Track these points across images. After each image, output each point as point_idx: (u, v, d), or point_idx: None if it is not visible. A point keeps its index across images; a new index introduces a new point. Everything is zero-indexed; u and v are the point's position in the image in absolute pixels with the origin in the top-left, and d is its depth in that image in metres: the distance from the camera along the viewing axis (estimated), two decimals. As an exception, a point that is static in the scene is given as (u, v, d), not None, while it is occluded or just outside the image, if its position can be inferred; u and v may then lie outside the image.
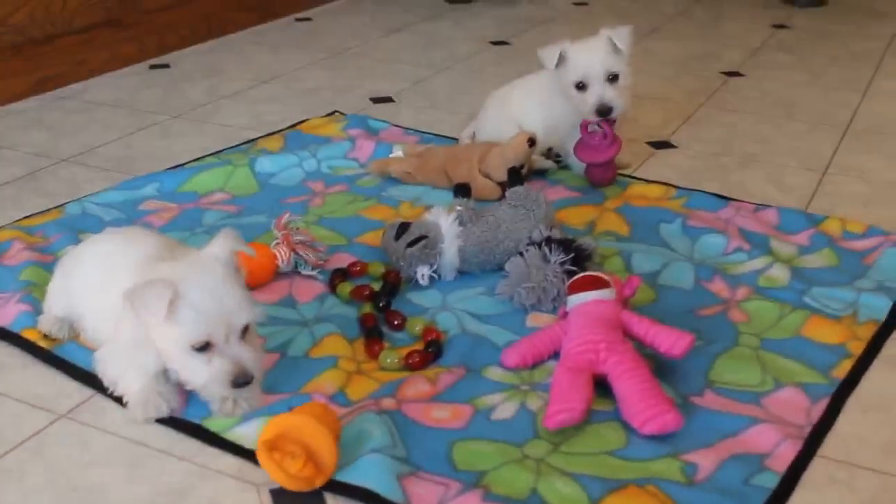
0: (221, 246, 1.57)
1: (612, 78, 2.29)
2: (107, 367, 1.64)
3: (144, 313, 1.49)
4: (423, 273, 1.95)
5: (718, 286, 1.96)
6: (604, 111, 2.29)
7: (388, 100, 3.09)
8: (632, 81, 2.37)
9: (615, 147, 2.33)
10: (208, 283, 1.51)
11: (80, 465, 1.50)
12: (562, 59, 2.34)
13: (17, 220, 2.23)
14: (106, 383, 1.64)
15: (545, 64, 2.38)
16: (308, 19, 4.09)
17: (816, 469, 1.49)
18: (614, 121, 2.34)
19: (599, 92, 2.29)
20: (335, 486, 1.44)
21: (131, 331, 1.58)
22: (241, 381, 1.51)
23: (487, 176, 2.32)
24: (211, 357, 1.50)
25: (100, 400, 1.64)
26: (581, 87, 2.31)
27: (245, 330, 1.53)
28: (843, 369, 1.72)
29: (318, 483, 1.43)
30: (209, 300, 1.49)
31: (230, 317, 1.50)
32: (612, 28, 2.34)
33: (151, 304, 1.47)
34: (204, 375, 1.51)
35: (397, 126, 2.80)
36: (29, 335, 1.79)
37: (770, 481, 1.46)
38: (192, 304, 1.48)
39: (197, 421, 1.58)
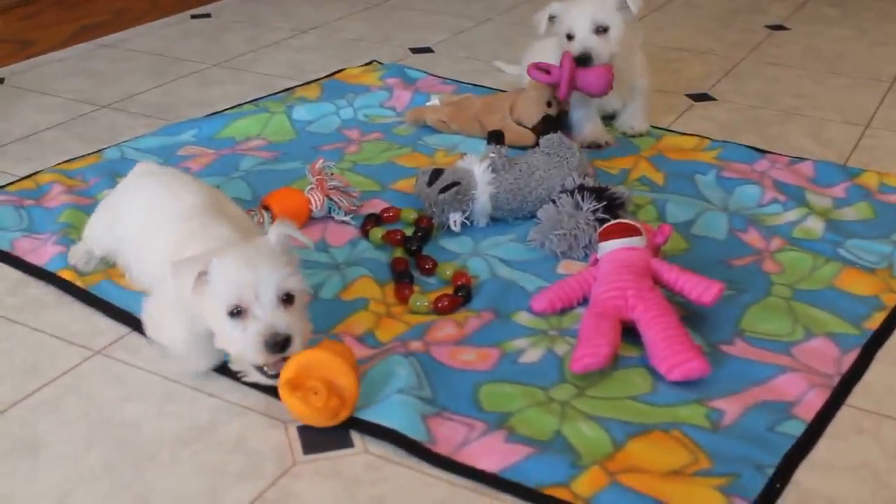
0: (275, 231, 1.57)
1: (602, 30, 2.30)
2: (152, 318, 1.65)
3: (180, 286, 1.50)
4: (455, 219, 1.95)
5: (752, 236, 1.95)
6: (581, 58, 2.28)
7: (428, 50, 3.08)
8: (633, 35, 2.38)
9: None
10: (246, 253, 1.51)
11: (114, 399, 1.54)
12: (552, 20, 2.39)
13: (58, 164, 2.26)
14: (149, 332, 1.65)
15: (537, 28, 2.42)
16: (351, -29, 4.08)
17: (843, 418, 1.49)
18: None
19: (583, 41, 2.30)
20: (360, 425, 1.46)
21: (175, 292, 1.58)
22: (274, 342, 1.46)
23: (520, 123, 2.32)
24: (246, 323, 1.48)
25: (134, 338, 1.67)
26: (570, 38, 2.33)
27: (288, 301, 1.50)
28: (875, 321, 1.71)
29: (344, 415, 1.45)
30: (243, 267, 1.48)
31: (262, 281, 1.48)
32: None
33: (183, 277, 1.49)
34: (240, 341, 1.48)
35: (434, 76, 2.80)
36: (64, 275, 1.82)
37: (796, 429, 1.46)
38: (225, 271, 1.48)
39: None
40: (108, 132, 2.47)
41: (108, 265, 1.84)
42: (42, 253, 1.89)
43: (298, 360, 1.46)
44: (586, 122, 2.36)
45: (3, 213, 2.02)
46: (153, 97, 2.72)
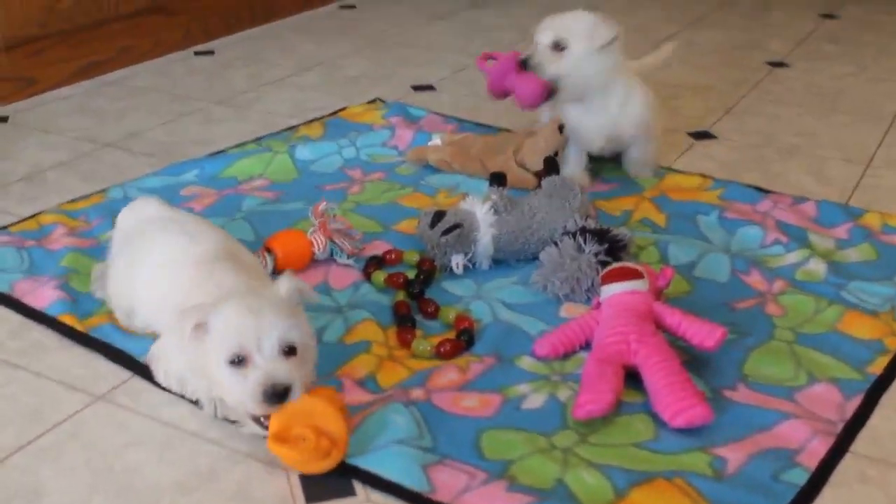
0: (286, 283, 1.56)
1: (558, 47, 2.23)
2: (166, 365, 1.64)
3: (179, 334, 1.51)
4: (457, 262, 1.95)
5: (755, 279, 1.95)
6: (523, 62, 2.25)
7: (429, 88, 3.10)
8: (612, 68, 2.28)
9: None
10: (249, 302, 1.50)
11: (115, 445, 1.53)
12: None
13: (61, 204, 2.27)
14: (161, 378, 1.65)
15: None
16: (352, 7, 4.10)
17: (848, 466, 1.49)
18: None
19: (536, 50, 2.27)
20: (361, 473, 1.45)
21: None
22: (273, 392, 1.45)
23: (523, 165, 2.32)
24: (246, 372, 1.47)
25: (136, 382, 1.67)
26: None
27: (290, 352, 1.48)
28: (878, 365, 1.71)
29: (336, 455, 1.45)
30: (246, 315, 1.47)
31: (265, 330, 1.47)
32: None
33: (182, 326, 1.49)
34: (238, 389, 1.47)
35: (437, 114, 2.81)
36: (65, 319, 1.81)
37: (800, 477, 1.45)
38: (227, 319, 1.48)
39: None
40: (111, 171, 2.48)
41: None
42: (42, 295, 1.88)
43: (283, 411, 1.45)
44: (566, 163, 2.34)
45: (4, 255, 2.02)
46: (157, 135, 2.72)
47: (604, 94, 2.28)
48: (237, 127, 2.77)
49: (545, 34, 2.27)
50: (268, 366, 1.46)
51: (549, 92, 2.24)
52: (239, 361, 1.46)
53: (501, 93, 2.34)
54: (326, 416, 1.45)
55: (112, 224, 2.10)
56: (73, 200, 2.29)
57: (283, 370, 1.46)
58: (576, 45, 2.24)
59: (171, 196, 2.28)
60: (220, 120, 2.84)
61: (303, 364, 1.51)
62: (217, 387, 1.51)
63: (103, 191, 2.33)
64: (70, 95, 3.04)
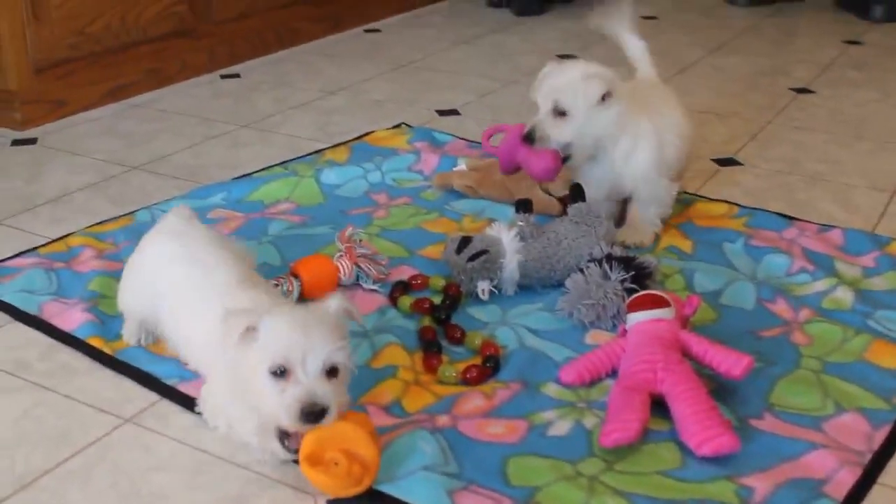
0: (336, 301, 1.56)
1: (560, 113, 2.10)
2: (213, 406, 1.64)
3: (225, 336, 1.50)
4: (483, 288, 1.96)
5: (781, 307, 1.95)
6: (527, 136, 2.12)
7: (454, 112, 3.11)
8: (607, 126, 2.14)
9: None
10: (301, 315, 1.51)
11: (143, 469, 1.54)
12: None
13: (89, 227, 2.29)
14: (210, 420, 1.64)
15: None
16: (377, 31, 4.13)
17: (876, 497, 1.48)
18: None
19: (538, 119, 2.14)
20: (386, 499, 1.45)
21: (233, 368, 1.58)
22: (311, 411, 1.44)
23: (547, 192, 2.33)
24: (286, 386, 1.46)
25: (164, 405, 1.68)
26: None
27: (332, 373, 1.47)
28: (906, 395, 1.71)
29: (367, 482, 1.45)
30: (296, 328, 1.47)
31: (312, 348, 1.46)
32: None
33: (231, 328, 1.49)
34: (275, 401, 1.46)
35: (462, 139, 2.82)
36: (93, 342, 1.83)
37: (827, 509, 1.45)
38: (275, 328, 1.48)
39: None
40: (138, 194, 2.50)
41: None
42: (70, 318, 1.90)
43: (317, 433, 1.45)
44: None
45: (33, 276, 2.04)
46: (184, 158, 2.74)
47: (612, 146, 2.17)
48: (263, 151, 2.79)
49: (545, 100, 2.15)
50: (309, 383, 1.45)
51: (562, 160, 2.15)
52: (281, 373, 1.46)
53: (514, 170, 2.27)
54: (359, 440, 1.45)
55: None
56: (101, 223, 2.31)
57: (323, 390, 1.45)
58: (577, 107, 2.12)
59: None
60: (246, 143, 2.86)
61: (341, 387, 1.50)
62: (253, 395, 1.50)
63: (131, 213, 2.35)
64: (99, 118, 3.06)
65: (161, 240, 1.84)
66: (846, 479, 1.50)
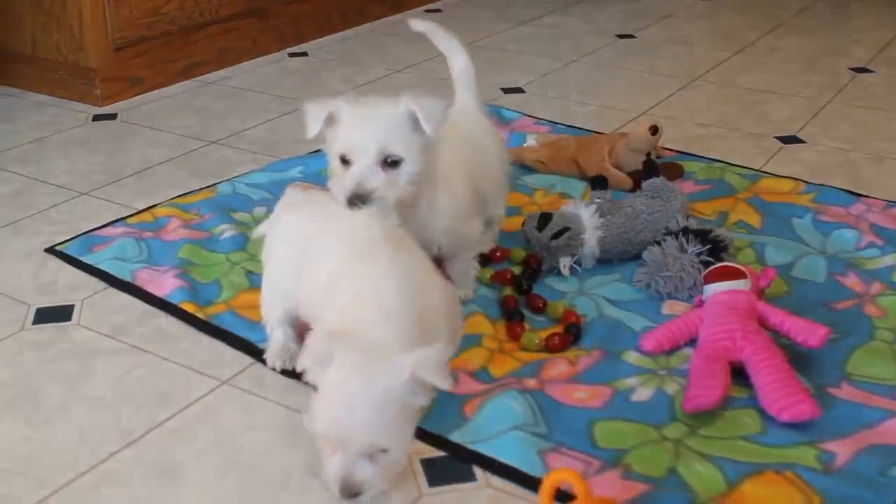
0: (422, 370, 1.38)
1: (392, 163, 1.69)
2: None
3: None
4: (565, 263, 2.01)
5: (852, 280, 1.99)
6: (355, 199, 1.67)
7: (519, 90, 3.16)
8: (429, 169, 1.76)
9: None
10: (352, 388, 1.38)
11: (243, 428, 1.60)
12: (331, 123, 1.74)
13: (174, 198, 2.37)
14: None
15: (306, 129, 1.74)
16: (438, 11, 4.19)
17: None
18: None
19: (362, 173, 1.69)
20: (480, 459, 1.51)
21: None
22: (347, 495, 1.40)
23: (617, 167, 2.38)
24: (333, 452, 1.40)
25: (258, 369, 1.74)
26: (345, 161, 1.72)
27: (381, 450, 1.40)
28: (979, 366, 1.74)
29: None
30: (337, 403, 1.38)
31: (351, 432, 1.37)
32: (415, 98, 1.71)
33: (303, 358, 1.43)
34: (325, 467, 1.42)
35: (529, 116, 2.87)
36: (186, 307, 1.90)
37: (907, 473, 1.49)
38: (324, 397, 1.40)
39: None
40: (218, 167, 2.58)
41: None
42: (162, 284, 1.97)
43: None
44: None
45: (124, 245, 2.12)
46: (259, 133, 2.82)
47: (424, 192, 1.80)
48: (335, 126, 2.84)
49: (368, 145, 1.69)
50: (351, 463, 1.39)
51: None
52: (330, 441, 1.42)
53: None
54: None
55: (224, 218, 2.21)
56: (184, 194, 2.38)
57: (364, 474, 1.39)
58: (410, 152, 1.72)
59: (276, 191, 2.35)
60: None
61: (392, 464, 1.42)
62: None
63: (213, 185, 2.43)
64: (174, 94, 3.15)
65: (294, 211, 1.75)
66: (926, 446, 1.54)
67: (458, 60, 2.18)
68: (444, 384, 1.38)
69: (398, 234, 1.65)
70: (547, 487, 1.35)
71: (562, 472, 1.38)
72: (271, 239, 1.77)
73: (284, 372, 1.72)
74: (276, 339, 1.76)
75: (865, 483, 1.46)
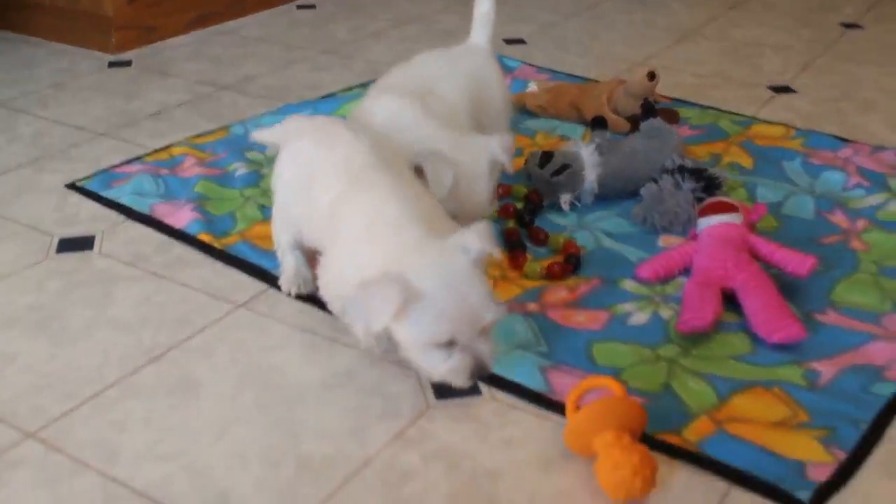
0: (474, 241, 1.47)
1: None
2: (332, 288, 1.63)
3: (370, 314, 1.43)
4: (565, 199, 2.09)
5: (839, 217, 2.07)
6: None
7: (521, 42, 3.23)
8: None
9: None
10: (452, 280, 1.43)
11: (260, 347, 1.68)
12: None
13: (189, 138, 2.45)
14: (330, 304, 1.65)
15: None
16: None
17: None
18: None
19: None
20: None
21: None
22: (479, 375, 1.46)
23: (616, 111, 2.46)
24: (451, 352, 1.44)
25: (272, 294, 1.83)
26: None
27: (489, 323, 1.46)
28: (958, 296, 1.83)
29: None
30: (453, 299, 1.41)
31: (475, 316, 1.42)
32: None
33: (378, 307, 1.41)
34: (442, 370, 1.45)
35: (530, 65, 2.94)
36: (203, 237, 1.99)
37: (887, 390, 1.57)
38: (434, 304, 1.41)
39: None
40: (230, 110, 2.65)
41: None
42: (179, 217, 2.06)
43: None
44: None
45: (141, 181, 2.20)
46: (269, 80, 2.89)
47: None
48: (343, 74, 2.93)
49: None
50: (474, 347, 1.43)
51: None
52: (444, 344, 1.44)
53: None
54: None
55: (238, 157, 2.29)
56: (199, 135, 2.46)
57: (487, 350, 1.45)
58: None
59: (288, 134, 2.45)
60: (326, 67, 3.00)
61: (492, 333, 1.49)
62: (416, 361, 1.48)
63: (226, 127, 2.51)
64: (186, 43, 3.23)
65: (300, 137, 1.78)
66: (905, 366, 1.63)
67: (485, 4, 2.28)
68: (498, 253, 1.48)
69: (398, 161, 1.72)
70: (576, 394, 1.47)
71: (597, 378, 1.49)
72: (279, 165, 1.81)
73: (299, 297, 1.81)
74: (288, 265, 1.84)
75: (848, 399, 1.55)
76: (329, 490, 1.38)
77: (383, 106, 1.93)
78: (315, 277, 1.75)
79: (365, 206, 1.58)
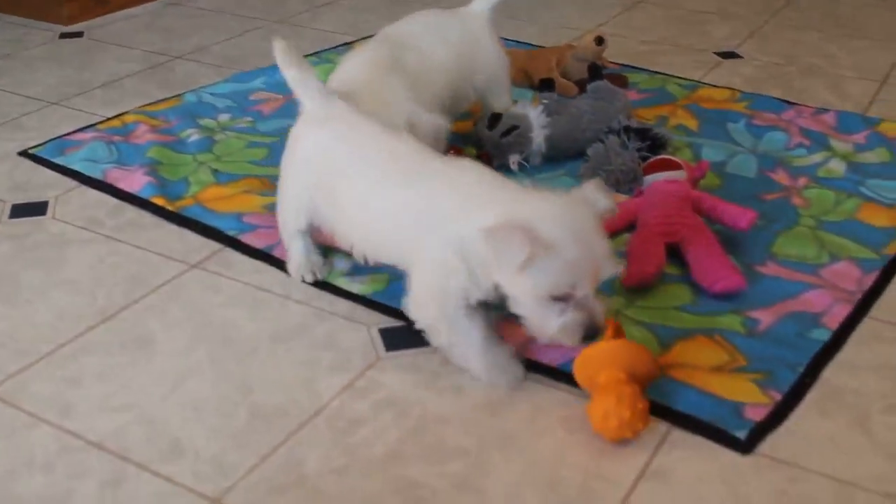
0: (596, 194, 1.45)
1: None
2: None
3: (498, 261, 1.39)
4: (514, 160, 2.12)
5: (780, 175, 2.13)
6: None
7: (471, 11, 3.25)
8: None
9: None
10: (580, 232, 1.38)
11: (213, 305, 1.71)
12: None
13: (141, 106, 2.46)
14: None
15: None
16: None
17: (866, 327, 1.66)
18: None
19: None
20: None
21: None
22: (591, 335, 1.42)
23: (565, 76, 2.49)
24: (566, 308, 1.40)
25: (226, 253, 1.85)
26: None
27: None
28: (893, 248, 1.87)
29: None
30: (580, 250, 1.37)
31: (597, 270, 1.39)
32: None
33: (507, 254, 1.36)
34: (554, 326, 1.41)
35: (481, 33, 2.97)
36: (156, 201, 2.01)
37: (823, 335, 1.62)
38: (561, 255, 1.36)
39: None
40: (183, 79, 2.67)
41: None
42: (132, 181, 2.08)
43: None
44: None
45: (94, 147, 2.22)
46: (223, 49, 2.92)
47: None
48: (297, 43, 2.80)
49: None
50: (588, 304, 1.40)
51: None
52: (560, 298, 1.40)
53: None
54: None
55: (191, 124, 2.31)
56: (152, 103, 2.48)
57: (600, 309, 1.42)
58: None
59: (241, 100, 2.48)
60: (279, 36, 2.96)
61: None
62: (528, 316, 1.44)
63: (179, 95, 2.52)
64: (138, 14, 3.24)
65: (320, 128, 1.72)
66: (840, 312, 1.68)
67: None
68: (613, 207, 1.46)
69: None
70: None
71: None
72: (295, 154, 1.73)
73: (255, 254, 1.84)
74: (296, 251, 1.79)
75: (785, 344, 1.60)
76: (281, 437, 1.41)
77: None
78: (325, 262, 1.79)
79: (447, 185, 1.52)
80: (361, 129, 1.66)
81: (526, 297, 1.41)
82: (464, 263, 1.45)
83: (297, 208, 1.73)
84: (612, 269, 1.41)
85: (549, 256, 1.35)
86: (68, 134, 2.31)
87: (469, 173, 1.52)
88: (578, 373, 1.47)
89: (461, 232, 1.44)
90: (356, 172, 1.61)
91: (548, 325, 1.41)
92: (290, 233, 1.78)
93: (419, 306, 1.54)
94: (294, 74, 1.74)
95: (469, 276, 1.46)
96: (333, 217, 1.67)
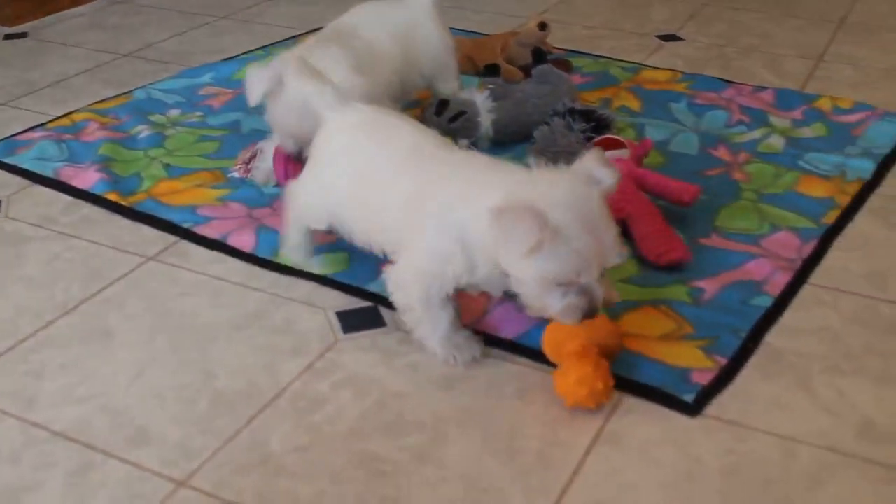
0: (598, 168, 1.43)
1: None
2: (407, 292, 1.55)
3: (505, 243, 1.38)
4: (462, 145, 2.13)
5: (722, 152, 2.18)
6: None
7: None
8: None
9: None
10: (588, 218, 1.38)
11: (171, 295, 1.74)
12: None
13: (91, 104, 2.47)
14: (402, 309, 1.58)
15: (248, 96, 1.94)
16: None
17: (806, 293, 1.72)
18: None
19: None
20: (388, 302, 1.62)
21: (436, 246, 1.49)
22: (589, 316, 1.42)
23: (510, 61, 2.54)
24: (567, 291, 1.41)
25: (182, 245, 1.88)
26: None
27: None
28: (830, 217, 1.94)
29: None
30: (588, 239, 1.37)
31: (604, 258, 1.39)
32: None
33: (515, 237, 1.36)
34: (555, 308, 1.42)
35: (426, 23, 3.00)
36: (110, 197, 2.02)
37: (765, 302, 1.68)
38: (569, 242, 1.36)
39: (269, 257, 1.81)
40: (131, 77, 2.68)
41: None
42: (85, 178, 2.09)
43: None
44: None
45: (45, 146, 2.23)
46: (170, 46, 2.93)
47: None
48: (244, 38, 2.97)
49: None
50: (590, 288, 1.40)
51: None
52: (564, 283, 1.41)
53: None
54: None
55: (141, 120, 2.32)
56: (101, 101, 2.49)
57: (600, 291, 1.41)
58: None
59: (190, 95, 2.50)
60: (227, 32, 3.03)
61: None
62: (529, 297, 1.44)
63: (128, 92, 2.53)
64: (83, 13, 3.23)
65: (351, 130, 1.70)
66: (781, 280, 1.74)
67: None
68: (613, 175, 1.44)
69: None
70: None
71: None
72: (323, 155, 1.71)
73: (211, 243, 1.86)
74: (295, 237, 1.79)
75: (729, 311, 1.66)
76: (244, 420, 1.44)
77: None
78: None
79: (452, 172, 1.54)
80: (386, 127, 1.67)
81: (529, 280, 1.41)
82: (463, 252, 1.47)
83: (317, 205, 1.71)
84: (618, 257, 1.41)
85: (557, 243, 1.35)
86: (17, 134, 2.32)
87: (477, 160, 1.57)
88: (549, 337, 1.52)
89: (463, 216, 1.45)
90: (379, 168, 1.61)
91: (548, 307, 1.43)
92: (299, 225, 1.76)
93: (401, 286, 1.55)
94: (311, 91, 1.73)
95: (466, 262, 1.48)
96: (356, 216, 1.65)
